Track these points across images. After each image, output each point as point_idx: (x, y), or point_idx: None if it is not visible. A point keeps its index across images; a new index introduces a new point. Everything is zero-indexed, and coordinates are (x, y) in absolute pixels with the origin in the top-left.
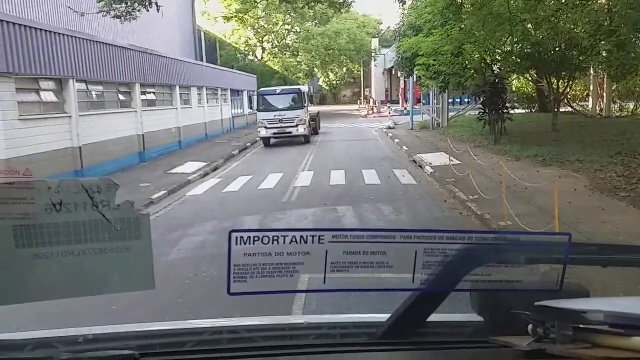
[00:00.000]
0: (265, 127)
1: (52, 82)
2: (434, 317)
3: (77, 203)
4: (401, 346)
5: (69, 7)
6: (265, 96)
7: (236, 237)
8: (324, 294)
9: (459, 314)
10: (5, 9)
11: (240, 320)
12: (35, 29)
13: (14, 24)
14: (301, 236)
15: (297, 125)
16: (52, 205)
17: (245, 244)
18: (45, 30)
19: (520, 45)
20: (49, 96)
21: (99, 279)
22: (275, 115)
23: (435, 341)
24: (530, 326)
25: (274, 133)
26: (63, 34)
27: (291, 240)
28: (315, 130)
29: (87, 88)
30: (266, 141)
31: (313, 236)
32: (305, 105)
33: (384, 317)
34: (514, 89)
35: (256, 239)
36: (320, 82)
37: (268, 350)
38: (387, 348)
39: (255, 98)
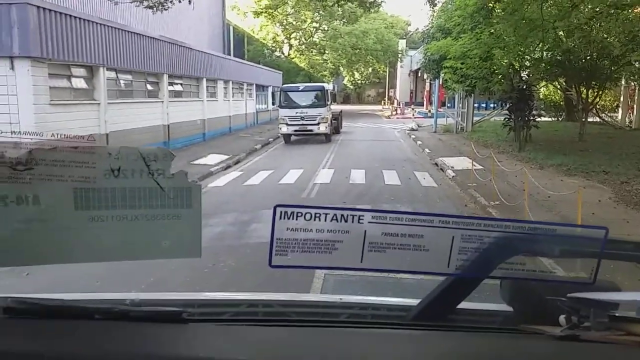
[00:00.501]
0: (287, 124)
1: (83, 69)
2: (463, 305)
3: (134, 170)
4: (430, 328)
5: None
6: (288, 92)
7: (280, 212)
8: (359, 273)
9: (488, 304)
10: None
11: (276, 295)
12: (69, 16)
13: (49, 10)
14: (342, 215)
15: (318, 124)
16: (111, 170)
17: (288, 218)
18: (79, 18)
19: (550, 52)
20: (79, 83)
21: (149, 244)
22: (297, 113)
23: (465, 326)
24: (562, 316)
25: (295, 130)
26: (96, 22)
27: (332, 218)
28: (337, 129)
29: (117, 77)
30: (287, 138)
31: (353, 216)
32: (328, 103)
33: (415, 301)
34: (541, 96)
35: (299, 214)
36: (345, 81)
37: (300, 324)
38: (416, 329)
39: (278, 94)
